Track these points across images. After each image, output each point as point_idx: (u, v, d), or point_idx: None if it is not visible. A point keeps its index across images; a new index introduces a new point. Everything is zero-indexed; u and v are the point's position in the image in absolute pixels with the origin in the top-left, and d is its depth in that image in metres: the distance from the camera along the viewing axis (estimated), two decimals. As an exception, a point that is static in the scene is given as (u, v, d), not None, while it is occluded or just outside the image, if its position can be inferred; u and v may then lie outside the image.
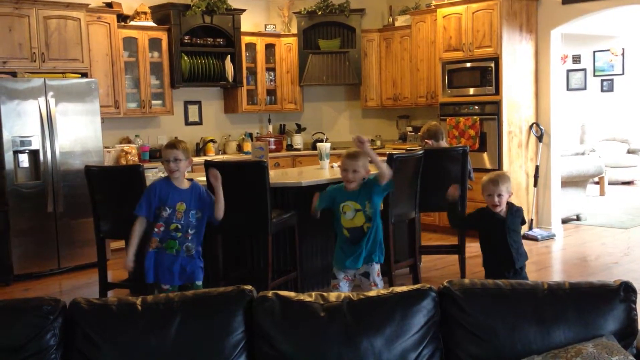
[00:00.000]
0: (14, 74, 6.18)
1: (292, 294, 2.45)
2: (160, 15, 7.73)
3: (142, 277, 4.00)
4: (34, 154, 6.22)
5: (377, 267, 4.02)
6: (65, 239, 6.38)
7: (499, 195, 3.75)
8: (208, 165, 4.86)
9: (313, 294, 2.44)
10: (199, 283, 4.02)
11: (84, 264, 6.41)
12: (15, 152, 6.11)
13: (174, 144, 3.98)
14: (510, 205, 3.86)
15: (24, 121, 6.13)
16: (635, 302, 2.39)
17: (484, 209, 3.91)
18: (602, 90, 12.16)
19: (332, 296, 2.42)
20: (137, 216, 3.92)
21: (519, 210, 3.91)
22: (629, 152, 11.37)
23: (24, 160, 6.18)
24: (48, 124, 6.24)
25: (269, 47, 8.71)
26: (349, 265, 3.99)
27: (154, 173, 5.58)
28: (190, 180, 4.06)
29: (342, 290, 3.96)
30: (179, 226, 3.88)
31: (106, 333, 2.32)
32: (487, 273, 3.91)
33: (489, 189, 3.77)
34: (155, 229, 3.90)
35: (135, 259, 3.90)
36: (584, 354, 2.16)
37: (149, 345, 2.30)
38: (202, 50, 7.92)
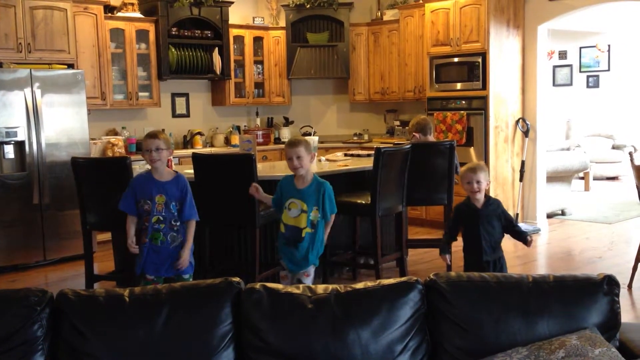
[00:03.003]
0: (-1, 65, 6.14)
1: (279, 286, 2.47)
2: (148, 6, 7.68)
3: (131, 268, 4.02)
4: (19, 145, 6.18)
5: (311, 269, 4.02)
6: (51, 230, 6.35)
7: (478, 182, 3.90)
8: (195, 156, 4.86)
9: (300, 286, 2.46)
10: (186, 277, 4.01)
11: (70, 256, 6.38)
12: (1, 144, 6.07)
13: (155, 134, 3.94)
14: (487, 197, 4.00)
15: (9, 112, 6.08)
16: (618, 296, 2.42)
17: (460, 205, 4.07)
18: (587, 86, 12.25)
19: (320, 288, 2.44)
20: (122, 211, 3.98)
21: (495, 202, 4.01)
22: (613, 147, 11.47)
23: (10, 151, 6.14)
24: (34, 115, 6.20)
25: (257, 40, 8.69)
26: (290, 268, 3.99)
27: (141, 165, 5.54)
28: (175, 172, 4.04)
29: (288, 283, 3.96)
30: (161, 218, 3.89)
31: (93, 324, 2.32)
32: (464, 261, 4.05)
33: (468, 177, 3.93)
34: (145, 223, 3.91)
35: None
36: (567, 345, 2.18)
37: (137, 337, 2.30)
38: (190, 42, 7.89)
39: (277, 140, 8.81)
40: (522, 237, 3.96)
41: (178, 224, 3.93)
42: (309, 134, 8.67)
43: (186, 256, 3.96)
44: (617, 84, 11.92)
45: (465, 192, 3.99)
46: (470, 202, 3.96)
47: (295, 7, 8.60)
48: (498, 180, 7.22)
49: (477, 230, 3.91)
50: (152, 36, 7.62)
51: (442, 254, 4.10)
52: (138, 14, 7.56)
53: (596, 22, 10.43)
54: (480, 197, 3.93)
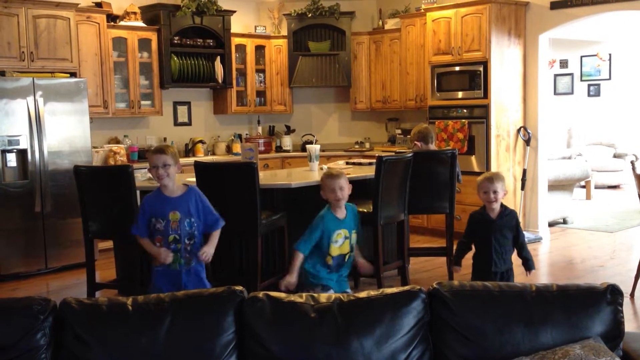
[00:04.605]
0: (2, 73, 6.14)
1: (282, 294, 2.46)
2: (150, 15, 7.71)
3: (130, 276, 3.98)
4: (22, 154, 6.19)
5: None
6: (52, 239, 6.35)
7: (495, 192, 3.87)
8: (197, 165, 4.87)
9: (303, 294, 2.46)
10: None
11: (72, 264, 6.37)
12: (3, 152, 6.08)
13: (162, 149, 3.74)
14: (503, 208, 3.95)
15: (12, 120, 6.09)
16: (621, 305, 2.42)
17: (474, 213, 4.03)
18: (589, 95, 12.26)
19: (323, 297, 2.43)
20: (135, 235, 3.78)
21: (511, 213, 3.97)
22: (615, 156, 11.47)
23: (12, 159, 6.15)
24: (36, 124, 6.21)
25: (259, 49, 8.71)
26: (336, 289, 4.02)
27: (142, 174, 5.55)
28: (187, 185, 3.86)
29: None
30: (177, 237, 3.67)
31: (97, 333, 2.32)
32: (473, 269, 4.02)
33: (485, 186, 3.89)
34: (158, 243, 3.71)
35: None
36: (571, 355, 2.18)
37: (140, 345, 2.30)
38: (192, 51, 7.91)
39: (279, 149, 8.82)
40: (526, 263, 3.95)
41: (190, 242, 3.72)
42: (311, 142, 8.68)
43: (208, 250, 3.76)
44: (618, 93, 11.93)
45: (481, 201, 3.96)
46: (485, 212, 3.93)
47: (297, 16, 8.63)
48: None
49: (489, 240, 3.87)
50: (154, 45, 7.64)
51: (454, 265, 4.07)
52: (140, 23, 7.59)
53: (597, 31, 10.45)
54: (496, 207, 3.90)
